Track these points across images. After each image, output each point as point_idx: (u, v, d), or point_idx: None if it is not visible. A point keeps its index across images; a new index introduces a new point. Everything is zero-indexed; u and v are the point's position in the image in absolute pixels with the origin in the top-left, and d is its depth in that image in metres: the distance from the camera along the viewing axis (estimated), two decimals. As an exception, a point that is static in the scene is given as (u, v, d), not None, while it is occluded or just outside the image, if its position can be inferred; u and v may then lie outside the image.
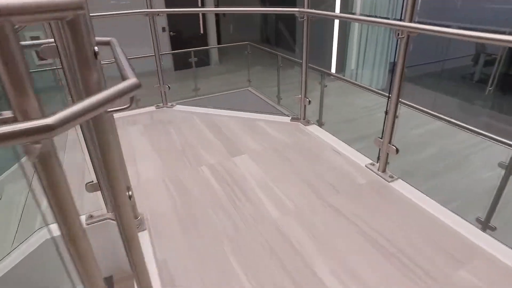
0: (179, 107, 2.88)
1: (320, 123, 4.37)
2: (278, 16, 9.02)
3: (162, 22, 7.24)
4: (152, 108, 2.88)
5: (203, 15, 7.89)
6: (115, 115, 2.71)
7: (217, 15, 8.48)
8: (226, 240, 1.45)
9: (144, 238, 1.48)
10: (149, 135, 2.45)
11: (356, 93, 5.57)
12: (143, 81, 0.76)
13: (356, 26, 6.46)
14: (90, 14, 2.37)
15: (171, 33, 7.50)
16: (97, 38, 1.27)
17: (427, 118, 2.98)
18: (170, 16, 7.36)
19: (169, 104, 2.89)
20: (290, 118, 2.51)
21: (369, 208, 1.59)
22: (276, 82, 5.79)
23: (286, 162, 2.00)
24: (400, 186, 1.70)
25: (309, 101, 2.33)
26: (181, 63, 7.66)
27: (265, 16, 9.69)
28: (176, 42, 7.63)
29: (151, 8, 2.40)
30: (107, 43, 1.23)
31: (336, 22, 6.68)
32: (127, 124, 2.65)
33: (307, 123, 2.41)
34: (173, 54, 7.69)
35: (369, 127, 4.58)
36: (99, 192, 1.55)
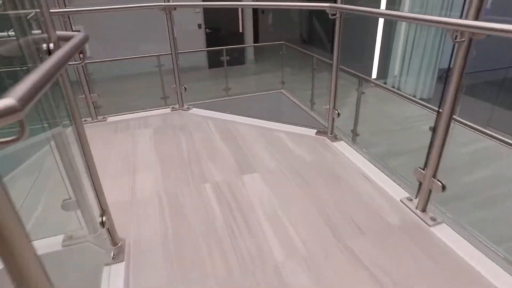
0: (195, 111, 2.64)
1: (354, 134, 3.96)
2: (318, 14, 8.58)
3: (198, 18, 7.11)
4: (168, 110, 2.67)
5: (242, 12, 7.67)
6: (126, 117, 2.54)
7: (255, 13, 8.23)
8: (213, 285, 1.17)
9: (118, 272, 1.23)
10: (157, 140, 2.23)
11: (398, 102, 5.07)
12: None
13: (403, 26, 5.88)
14: (103, 7, 2.20)
15: (207, 30, 7.36)
16: (63, 33, 1.04)
17: (481, 135, 2.52)
18: (207, 13, 7.21)
19: (185, 106, 2.66)
20: (315, 131, 2.18)
21: (399, 259, 1.24)
22: (311, 85, 5.43)
23: (303, 186, 1.68)
24: (445, 234, 1.32)
25: (338, 114, 1.98)
26: (215, 61, 7.49)
27: (304, 14, 9.29)
28: (212, 39, 7.48)
29: (168, 2, 2.17)
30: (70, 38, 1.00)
31: (381, 21, 6.13)
32: (138, 127, 2.45)
33: (335, 138, 2.06)
34: (208, 51, 7.55)
35: (410, 141, 4.10)
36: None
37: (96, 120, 2.52)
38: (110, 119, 2.58)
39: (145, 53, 4.95)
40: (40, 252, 1.23)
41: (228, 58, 5.77)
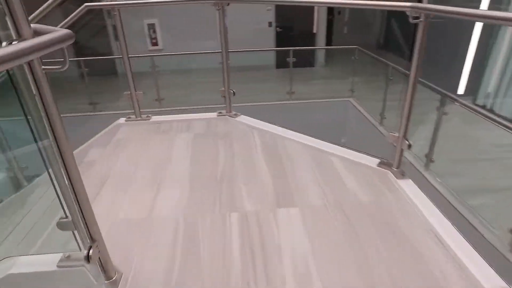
0: (242, 118, 2.38)
1: (428, 159, 3.38)
2: (398, 15, 7.77)
3: (270, 16, 6.89)
4: (214, 114, 2.45)
5: (317, 11, 7.26)
6: (170, 118, 2.38)
7: (330, 13, 7.75)
8: None
9: (102, 320, 1.02)
10: (194, 149, 2.02)
11: (488, 126, 4.26)
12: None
13: (509, 32, 4.92)
14: (157, 0, 2.03)
15: (277, 28, 7.11)
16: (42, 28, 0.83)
17: None
18: (279, 11, 6.95)
19: (233, 112, 2.42)
20: (378, 161, 1.78)
21: None
22: (383, 96, 4.85)
23: (349, 236, 1.31)
24: None
25: (409, 145, 1.55)
26: (283, 61, 7.20)
27: (383, 15, 8.49)
28: (281, 38, 7.21)
29: (221, -4, 1.94)
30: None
31: (478, 26, 5.18)
32: (179, 130, 2.28)
33: (401, 175, 1.63)
34: (276, 50, 7.30)
35: (499, 176, 3.37)
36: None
37: (139, 118, 2.41)
38: (154, 118, 2.45)
39: (213, 49, 4.88)
40: (32, 269, 1.05)
41: (294, 59, 5.45)
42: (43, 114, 0.82)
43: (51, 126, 0.84)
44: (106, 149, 2.15)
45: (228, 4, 1.97)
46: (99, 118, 5.24)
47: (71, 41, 0.79)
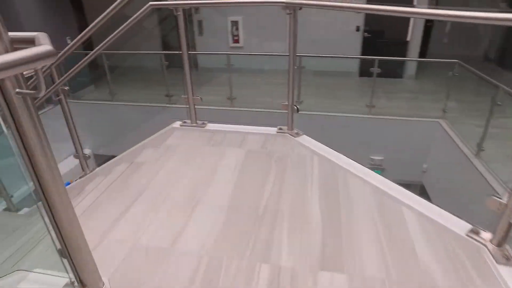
0: (304, 139, 2.08)
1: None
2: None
3: (358, 20, 6.35)
4: (273, 130, 2.19)
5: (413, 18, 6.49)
6: (226, 128, 2.19)
7: (429, 19, 6.87)
8: None
9: None
10: (241, 171, 1.80)
11: None
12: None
13: None
14: (223, 0, 1.84)
15: (365, 34, 6.53)
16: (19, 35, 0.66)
17: None
18: (369, 14, 6.37)
19: (295, 131, 2.13)
20: (469, 228, 1.33)
21: None
22: (485, 123, 4.05)
23: None
24: None
25: (521, 220, 1.10)
26: (368, 69, 6.60)
27: (498, 26, 7.25)
28: (369, 45, 6.62)
29: (294, -1, 1.65)
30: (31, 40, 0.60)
31: None
32: (232, 144, 2.08)
33: (506, 259, 1.18)
34: (360, 57, 6.73)
35: None
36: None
37: (195, 124, 2.27)
38: (210, 126, 2.29)
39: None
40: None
41: (379, 70, 4.90)
42: (20, 152, 0.65)
43: (34, 170, 0.67)
44: (155, 154, 2.06)
45: (301, 8, 1.68)
46: (171, 110, 5.38)
47: (51, 60, 0.60)
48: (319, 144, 2.00)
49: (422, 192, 5.00)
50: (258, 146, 2.05)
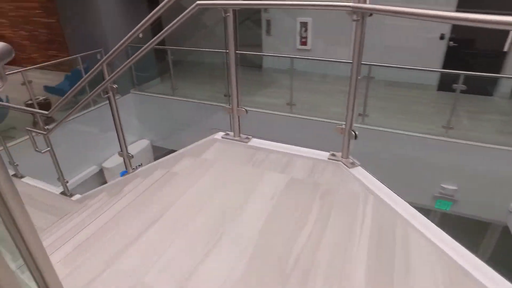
0: (359, 172, 1.73)
1: None
2: None
3: (443, 27, 5.61)
4: (325, 155, 1.89)
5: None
6: (271, 146, 1.95)
7: (536, 30, 5.82)
8: None
9: None
10: (278, 205, 1.54)
11: None
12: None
13: None
14: (291, 1, 1.57)
15: (451, 43, 5.76)
16: None
17: None
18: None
19: (350, 160, 1.80)
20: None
21: None
22: None
23: None
24: None
25: None
26: (448, 83, 5.80)
27: None
28: (453, 55, 5.82)
29: (363, 3, 1.33)
30: None
31: None
32: (274, 167, 1.83)
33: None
34: (442, 71, 5.96)
35: None
36: None
37: (238, 138, 2.06)
38: (254, 141, 2.06)
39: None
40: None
41: (464, 87, 4.24)
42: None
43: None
44: (191, 166, 1.90)
45: (371, 15, 1.36)
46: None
47: (7, 59, 0.45)
48: (376, 181, 1.64)
49: (505, 234, 4.23)
50: (305, 173, 1.77)
